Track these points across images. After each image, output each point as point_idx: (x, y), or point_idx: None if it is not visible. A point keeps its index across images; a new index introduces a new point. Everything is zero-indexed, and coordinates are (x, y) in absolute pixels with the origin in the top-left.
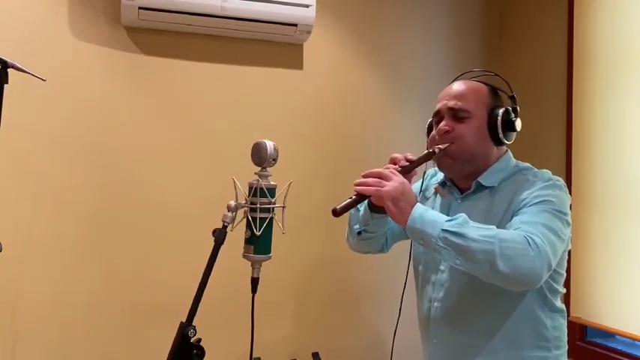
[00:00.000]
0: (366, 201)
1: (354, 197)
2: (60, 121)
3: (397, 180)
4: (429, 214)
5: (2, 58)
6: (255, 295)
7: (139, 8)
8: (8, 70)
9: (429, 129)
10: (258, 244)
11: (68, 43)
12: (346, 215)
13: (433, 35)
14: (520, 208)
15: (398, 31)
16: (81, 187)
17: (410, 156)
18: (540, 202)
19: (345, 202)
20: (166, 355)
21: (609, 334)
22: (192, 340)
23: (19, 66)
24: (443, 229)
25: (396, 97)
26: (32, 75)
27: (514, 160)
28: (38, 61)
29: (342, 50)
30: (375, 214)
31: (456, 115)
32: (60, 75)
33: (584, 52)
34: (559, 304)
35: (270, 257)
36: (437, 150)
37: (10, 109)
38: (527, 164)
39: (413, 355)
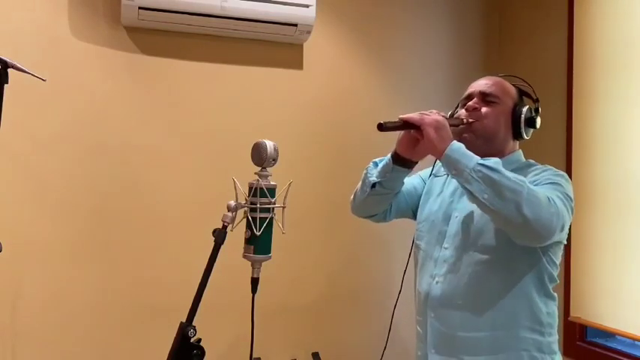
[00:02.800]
0: (389, 155)
1: (398, 123)
2: (60, 121)
3: (438, 116)
4: (467, 150)
5: (2, 58)
6: (255, 295)
7: (139, 8)
8: (8, 70)
9: (451, 115)
10: (258, 244)
11: (68, 43)
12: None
13: (433, 35)
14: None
15: (398, 31)
16: (81, 187)
17: (444, 114)
18: (553, 183)
19: (391, 122)
20: (166, 355)
21: (609, 334)
22: (192, 340)
23: (19, 66)
24: (479, 163)
25: (396, 97)
26: (32, 75)
27: (524, 158)
28: (38, 61)
29: (342, 50)
30: (396, 166)
31: (486, 98)
32: (60, 75)
33: (584, 52)
34: (552, 291)
35: (270, 257)
36: (465, 120)
37: (11, 109)
38: (535, 162)
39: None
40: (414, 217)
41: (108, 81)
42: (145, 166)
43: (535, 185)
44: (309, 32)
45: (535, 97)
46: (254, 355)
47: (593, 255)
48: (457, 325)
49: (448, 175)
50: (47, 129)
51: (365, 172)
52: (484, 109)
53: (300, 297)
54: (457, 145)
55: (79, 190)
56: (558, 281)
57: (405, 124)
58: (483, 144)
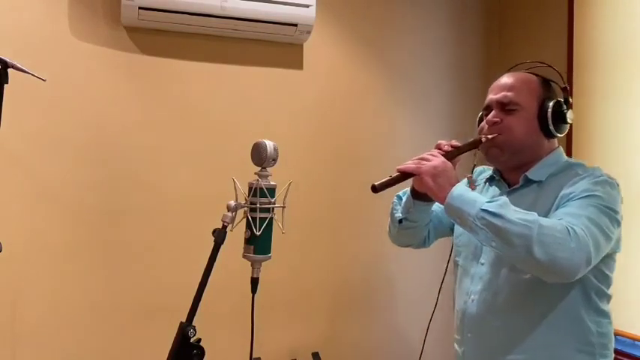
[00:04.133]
0: (408, 189)
1: (393, 175)
2: (60, 121)
3: (438, 160)
4: (469, 194)
5: (2, 58)
6: (255, 295)
7: (139, 8)
8: (8, 70)
9: (480, 121)
10: (258, 244)
11: (68, 43)
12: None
13: (433, 35)
14: (566, 201)
15: (398, 32)
16: (81, 186)
17: (455, 142)
18: (588, 196)
19: (385, 180)
20: (166, 355)
21: None
22: (192, 340)
23: (19, 66)
24: (482, 209)
25: (396, 97)
26: (32, 75)
27: (565, 156)
28: (38, 61)
29: (342, 50)
30: (417, 201)
31: (505, 107)
32: (60, 75)
33: (584, 52)
34: (606, 308)
35: (270, 257)
36: (484, 139)
37: (11, 109)
38: (579, 161)
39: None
40: (453, 233)
41: (108, 81)
42: (144, 166)
43: (569, 200)
44: (309, 32)
45: (563, 84)
46: (254, 355)
47: None
48: (495, 347)
49: (486, 183)
50: (47, 129)
51: (391, 207)
52: (506, 120)
53: (300, 297)
54: (458, 192)
55: (78, 190)
56: (612, 295)
57: (403, 175)
58: (511, 157)
